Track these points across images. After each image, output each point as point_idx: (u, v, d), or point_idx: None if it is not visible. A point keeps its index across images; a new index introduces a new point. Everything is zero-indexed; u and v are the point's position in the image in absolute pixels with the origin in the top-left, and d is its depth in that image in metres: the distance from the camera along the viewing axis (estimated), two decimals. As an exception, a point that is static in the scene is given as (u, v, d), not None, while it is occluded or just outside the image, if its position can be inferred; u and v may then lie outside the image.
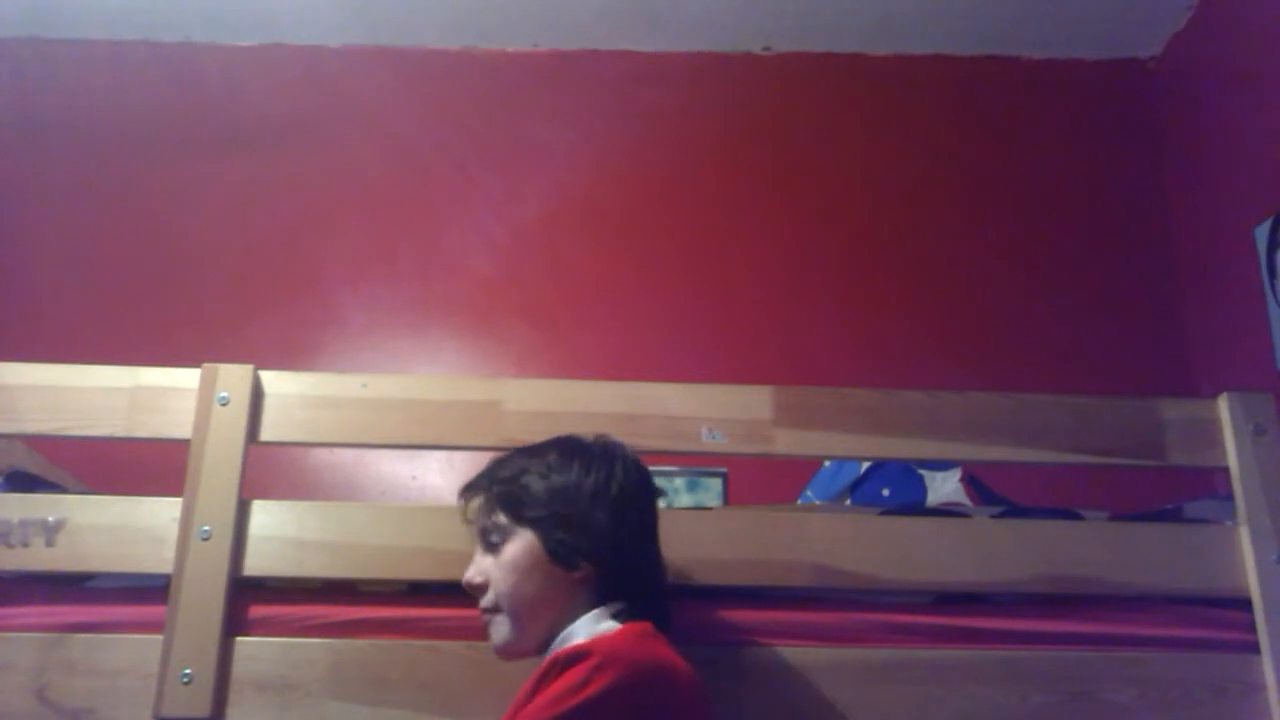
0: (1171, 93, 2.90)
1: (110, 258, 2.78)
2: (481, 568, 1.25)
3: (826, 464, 2.19)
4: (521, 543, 1.22)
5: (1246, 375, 2.44)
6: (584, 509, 1.21)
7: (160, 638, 1.33)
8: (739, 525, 1.45)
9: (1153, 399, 1.54)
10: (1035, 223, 2.86)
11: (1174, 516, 1.61)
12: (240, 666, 1.34)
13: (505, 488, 1.25)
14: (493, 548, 1.25)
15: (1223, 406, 1.51)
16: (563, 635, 1.19)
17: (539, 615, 1.21)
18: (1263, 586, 1.42)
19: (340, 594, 1.40)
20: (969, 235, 2.85)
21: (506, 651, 1.24)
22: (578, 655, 1.07)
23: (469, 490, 1.30)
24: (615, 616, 1.19)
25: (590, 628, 1.18)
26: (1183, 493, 1.77)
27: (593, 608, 1.20)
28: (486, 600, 1.24)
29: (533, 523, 1.22)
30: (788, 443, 1.49)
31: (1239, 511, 1.46)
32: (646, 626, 1.17)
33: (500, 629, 1.23)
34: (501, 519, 1.24)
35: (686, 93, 2.96)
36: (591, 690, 1.03)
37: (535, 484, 1.24)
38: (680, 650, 1.18)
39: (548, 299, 2.77)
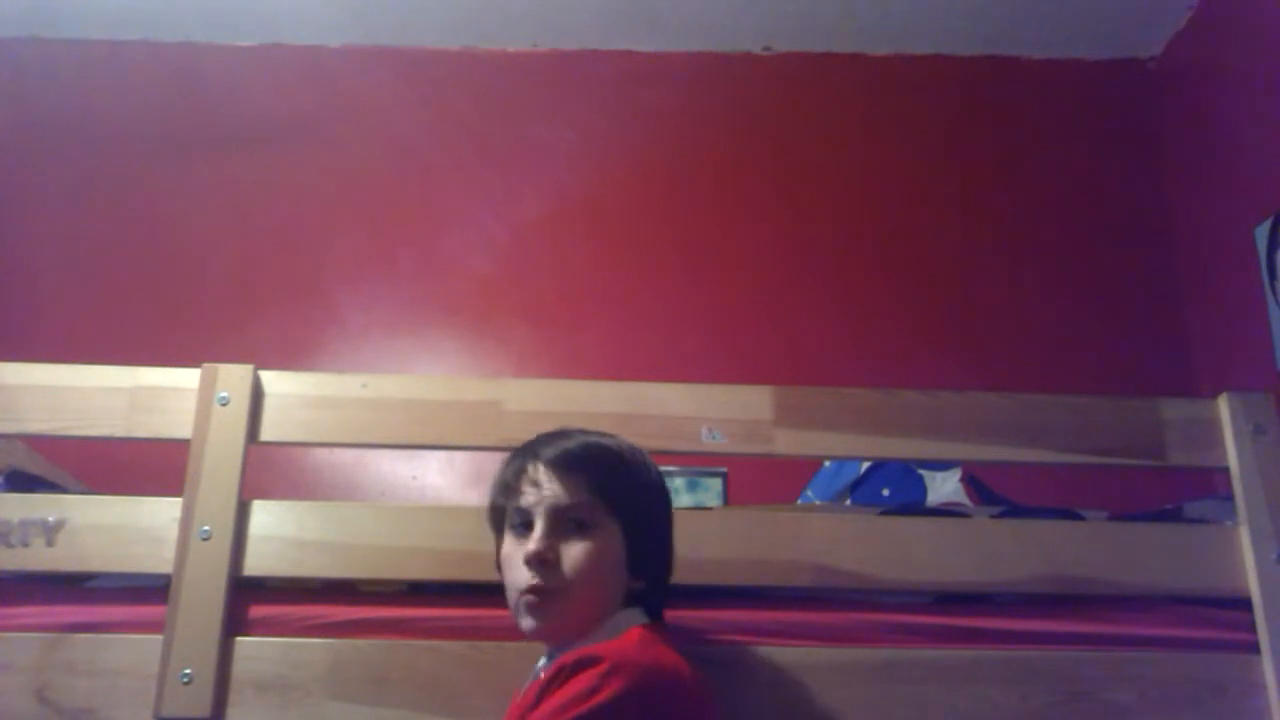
0: (1171, 93, 2.90)
1: (110, 258, 2.78)
2: (554, 546, 1.17)
3: (826, 464, 2.19)
4: (609, 536, 1.19)
5: (1246, 375, 2.44)
6: (661, 521, 1.25)
7: (160, 638, 1.33)
8: (739, 525, 1.45)
9: (1153, 399, 1.54)
10: (1035, 223, 2.86)
11: (1174, 516, 1.61)
12: (240, 666, 1.34)
13: (610, 478, 1.21)
14: (575, 530, 1.18)
15: (1223, 406, 1.51)
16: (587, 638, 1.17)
17: (594, 610, 1.18)
18: (1263, 586, 1.42)
19: (340, 594, 1.40)
20: (969, 235, 2.85)
21: (543, 634, 1.18)
22: (587, 660, 1.06)
23: (565, 462, 1.20)
24: (629, 618, 1.19)
25: (609, 633, 1.17)
26: (1183, 493, 1.77)
27: (620, 609, 1.20)
28: (553, 580, 1.16)
29: (623, 520, 1.20)
30: (788, 443, 1.49)
31: (1239, 511, 1.46)
32: (653, 629, 1.18)
33: (554, 612, 1.16)
34: (598, 505, 1.19)
35: (686, 93, 2.96)
36: (602, 697, 1.03)
37: (631, 483, 1.23)
38: (681, 650, 1.19)
39: (548, 299, 2.77)
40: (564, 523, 1.18)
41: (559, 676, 1.07)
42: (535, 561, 1.16)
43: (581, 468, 1.20)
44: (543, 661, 1.23)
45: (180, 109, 2.91)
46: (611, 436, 1.28)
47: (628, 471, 1.24)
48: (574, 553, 1.17)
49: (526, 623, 1.17)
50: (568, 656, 1.09)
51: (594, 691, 1.03)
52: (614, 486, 1.21)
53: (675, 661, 1.13)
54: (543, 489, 1.20)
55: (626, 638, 1.14)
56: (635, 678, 1.05)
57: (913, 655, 1.39)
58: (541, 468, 1.21)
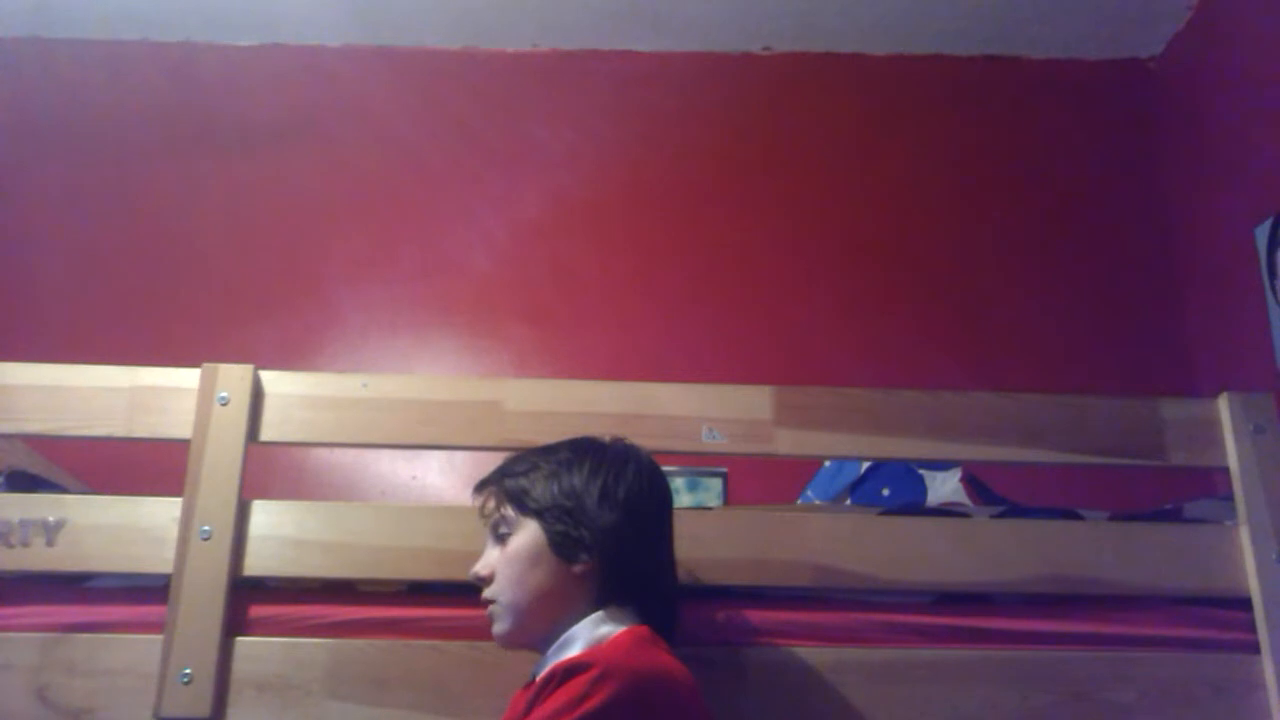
0: (1171, 93, 2.90)
1: (110, 258, 2.78)
2: (489, 560, 1.26)
3: (826, 464, 2.19)
4: (525, 534, 1.23)
5: (1246, 375, 2.44)
6: (589, 506, 1.21)
7: (160, 638, 1.33)
8: (739, 525, 1.45)
9: (1153, 399, 1.54)
10: (1035, 223, 2.86)
11: (1174, 516, 1.61)
12: (240, 666, 1.34)
13: (514, 482, 1.26)
14: (501, 540, 1.26)
15: (1223, 406, 1.51)
16: (563, 638, 1.18)
17: (538, 607, 1.21)
18: (1263, 586, 1.42)
19: (340, 594, 1.40)
20: (969, 235, 2.85)
21: (506, 641, 1.25)
22: (577, 667, 1.07)
23: (481, 486, 1.30)
24: (616, 620, 1.19)
25: (590, 633, 1.17)
26: (1183, 493, 1.77)
27: (595, 608, 1.20)
28: (490, 591, 1.24)
29: (537, 515, 1.23)
30: (788, 443, 1.49)
31: (1239, 511, 1.46)
32: (644, 631, 1.17)
33: (501, 619, 1.23)
34: (508, 512, 1.25)
35: (686, 93, 2.96)
36: (593, 703, 1.03)
37: (543, 479, 1.25)
38: (680, 650, 1.18)
39: (548, 299, 2.77)
40: (497, 538, 1.27)
41: (550, 683, 1.07)
42: (474, 580, 1.26)
43: (493, 482, 1.29)
44: (536, 666, 1.23)
45: (180, 109, 2.91)
46: (559, 442, 1.30)
47: (535, 469, 1.26)
48: (494, 561, 1.25)
49: (492, 631, 1.25)
50: (559, 663, 1.09)
51: (585, 698, 1.03)
52: (517, 488, 1.25)
53: (668, 664, 1.13)
54: (483, 514, 1.29)
55: (617, 641, 1.14)
56: (626, 682, 1.05)
57: (913, 655, 1.39)
58: (477, 496, 1.31)
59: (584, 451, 1.27)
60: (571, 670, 1.06)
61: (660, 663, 1.12)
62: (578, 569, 1.20)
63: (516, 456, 1.31)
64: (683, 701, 1.11)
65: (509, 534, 1.25)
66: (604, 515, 1.21)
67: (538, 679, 1.11)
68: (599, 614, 1.19)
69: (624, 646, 1.13)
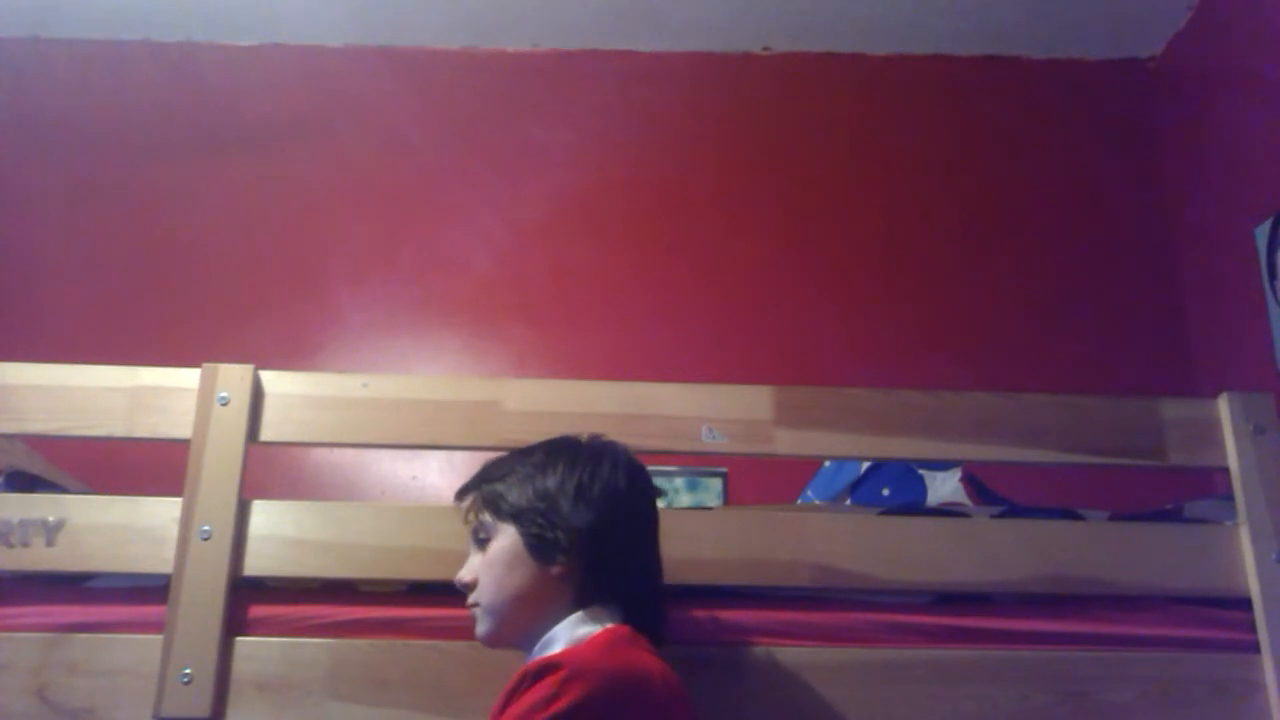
0: (1171, 93, 2.90)
1: (110, 258, 2.78)
2: (471, 566, 1.26)
3: (826, 464, 2.19)
4: (504, 539, 1.23)
5: (1246, 375, 2.44)
6: (563, 507, 1.21)
7: (160, 638, 1.33)
8: (739, 525, 1.45)
9: (1153, 399, 1.54)
10: (1035, 223, 2.87)
11: (1174, 516, 1.61)
12: (240, 666, 1.34)
13: (490, 487, 1.26)
14: (481, 545, 1.26)
15: (1223, 406, 1.51)
16: (545, 639, 1.19)
17: (518, 610, 1.21)
18: (1263, 586, 1.42)
19: (340, 594, 1.40)
20: (969, 235, 2.85)
21: (487, 642, 1.25)
22: (547, 667, 1.07)
23: (462, 492, 1.31)
24: (597, 620, 1.19)
25: (569, 633, 1.17)
26: (1183, 493, 1.77)
27: (576, 608, 1.20)
28: (472, 596, 1.25)
29: (513, 518, 1.23)
30: (788, 443, 1.49)
31: (1239, 511, 1.47)
32: (622, 631, 1.17)
33: (482, 621, 1.24)
34: (487, 517, 1.26)
35: (686, 93, 2.96)
36: (561, 705, 1.03)
37: (518, 483, 1.25)
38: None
39: (548, 299, 2.77)
40: (478, 543, 1.27)
41: (521, 684, 1.07)
42: (459, 586, 1.27)
43: (473, 488, 1.29)
44: None
45: (180, 109, 2.91)
46: (536, 444, 1.30)
47: (512, 472, 1.26)
48: (476, 566, 1.26)
49: (475, 634, 1.26)
50: (530, 664, 1.09)
51: (553, 699, 1.03)
52: (493, 493, 1.26)
53: (641, 663, 1.12)
54: (464, 521, 1.29)
55: (593, 642, 1.14)
56: (594, 683, 1.05)
57: (913, 655, 1.39)
58: (459, 502, 1.30)
59: (559, 452, 1.27)
60: (542, 671, 1.06)
61: (635, 662, 1.12)
62: (555, 571, 1.20)
63: (495, 460, 1.31)
64: (658, 701, 1.10)
65: (488, 539, 1.25)
66: (578, 516, 1.21)
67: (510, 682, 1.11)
68: (579, 614, 1.19)
69: (598, 647, 1.13)
